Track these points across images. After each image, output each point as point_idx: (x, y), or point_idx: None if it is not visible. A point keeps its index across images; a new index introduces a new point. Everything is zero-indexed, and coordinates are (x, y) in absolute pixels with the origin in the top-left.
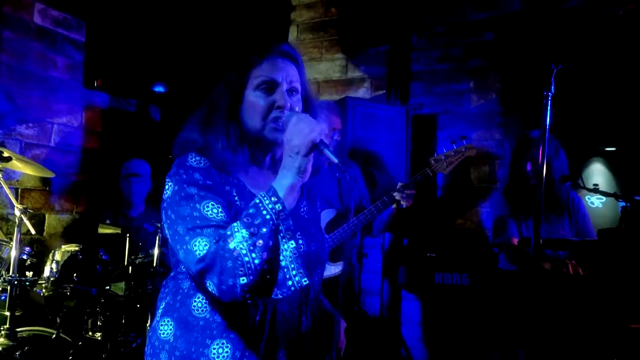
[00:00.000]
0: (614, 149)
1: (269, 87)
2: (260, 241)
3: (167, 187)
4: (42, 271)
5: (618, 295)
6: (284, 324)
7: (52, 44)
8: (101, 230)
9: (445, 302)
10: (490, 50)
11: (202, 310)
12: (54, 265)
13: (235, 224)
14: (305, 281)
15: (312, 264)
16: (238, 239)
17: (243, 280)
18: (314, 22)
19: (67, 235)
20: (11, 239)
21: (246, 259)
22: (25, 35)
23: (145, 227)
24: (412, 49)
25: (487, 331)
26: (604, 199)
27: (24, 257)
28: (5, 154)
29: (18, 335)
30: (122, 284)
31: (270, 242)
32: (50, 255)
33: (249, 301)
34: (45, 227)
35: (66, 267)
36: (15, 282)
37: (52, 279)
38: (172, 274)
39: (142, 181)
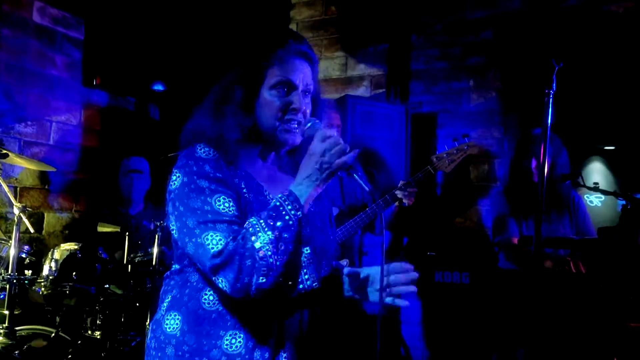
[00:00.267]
0: (613, 147)
1: (286, 87)
2: (282, 245)
3: (174, 178)
4: (41, 270)
5: (618, 293)
6: (292, 318)
7: (51, 42)
8: (100, 229)
9: (445, 300)
10: (490, 48)
11: (215, 303)
12: (53, 264)
13: (256, 224)
14: (315, 285)
15: (318, 257)
16: (264, 239)
17: (262, 279)
18: (313, 20)
19: (66, 234)
20: (10, 238)
21: (270, 260)
22: (24, 33)
23: (145, 224)
24: (411, 47)
25: (487, 330)
26: (603, 197)
27: (23, 255)
28: (3, 151)
29: (17, 334)
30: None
31: (291, 247)
32: (49, 253)
33: (260, 300)
34: (44, 226)
35: (65, 265)
36: (14, 281)
37: (51, 277)
38: (177, 267)
39: (143, 178)
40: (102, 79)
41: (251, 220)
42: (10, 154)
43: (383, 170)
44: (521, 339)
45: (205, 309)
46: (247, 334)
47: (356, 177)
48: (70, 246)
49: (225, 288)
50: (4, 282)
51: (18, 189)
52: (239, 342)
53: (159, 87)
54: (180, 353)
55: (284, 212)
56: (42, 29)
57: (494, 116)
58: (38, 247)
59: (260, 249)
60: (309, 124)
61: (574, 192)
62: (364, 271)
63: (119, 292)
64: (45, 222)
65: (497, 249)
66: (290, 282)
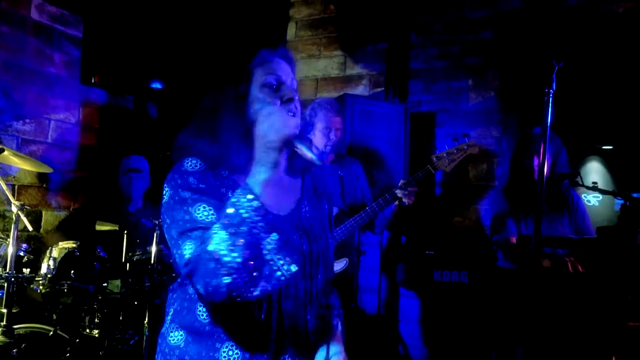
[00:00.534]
0: (611, 147)
1: (275, 84)
2: (241, 240)
3: (164, 192)
4: (39, 268)
5: (616, 293)
6: (290, 323)
7: (49, 40)
8: (99, 227)
9: (444, 299)
10: (489, 48)
11: (207, 316)
12: (51, 262)
13: (215, 225)
14: (294, 267)
15: (315, 263)
16: (216, 240)
17: (227, 279)
18: (312, 19)
19: (65, 232)
20: (8, 236)
21: (227, 259)
22: (22, 31)
23: (143, 222)
24: (410, 46)
25: (486, 329)
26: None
27: (21, 253)
28: None
29: (15, 333)
30: (118, 281)
31: (251, 239)
32: (48, 252)
33: (239, 299)
34: (42, 224)
35: (63, 264)
36: (12, 279)
37: (49, 275)
38: (179, 280)
39: (142, 177)
40: (101, 77)
41: (215, 224)
42: (7, 150)
43: (382, 169)
44: (520, 337)
45: (200, 321)
46: (242, 346)
47: (301, 146)
48: (69, 244)
49: (203, 294)
50: (2, 281)
51: (16, 187)
52: (237, 353)
53: (157, 86)
54: None
55: (239, 207)
56: (41, 27)
57: (492, 115)
58: (36, 245)
59: (214, 250)
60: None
61: (573, 192)
62: None
63: (117, 290)
64: (43, 220)
65: (496, 248)
66: (259, 274)
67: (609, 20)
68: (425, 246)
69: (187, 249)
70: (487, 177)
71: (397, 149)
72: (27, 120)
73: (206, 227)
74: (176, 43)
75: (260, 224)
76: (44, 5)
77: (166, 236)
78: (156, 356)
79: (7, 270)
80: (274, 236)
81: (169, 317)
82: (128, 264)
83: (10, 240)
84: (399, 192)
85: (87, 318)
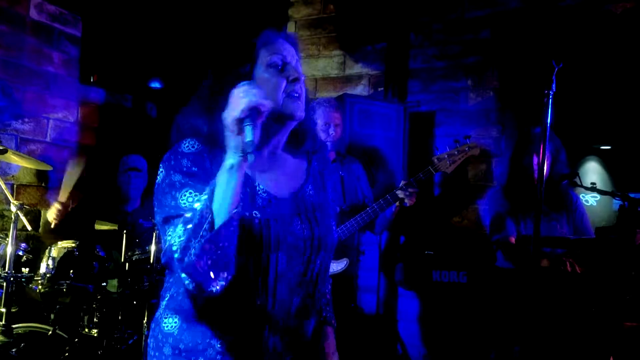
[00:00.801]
0: (609, 147)
1: (280, 64)
2: (190, 225)
3: (158, 173)
4: (38, 267)
5: (614, 293)
6: (282, 307)
7: (48, 39)
8: (98, 227)
9: (443, 299)
10: (488, 47)
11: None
12: (50, 262)
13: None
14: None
15: (316, 248)
16: (179, 229)
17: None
18: (311, 18)
19: (63, 232)
20: (7, 235)
21: (190, 246)
22: (21, 30)
23: (141, 222)
24: (410, 46)
25: (484, 328)
26: (599, 197)
27: (20, 253)
28: (0, 147)
29: (14, 332)
30: (115, 281)
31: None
32: (47, 251)
33: (223, 285)
34: (41, 223)
35: (62, 263)
36: (11, 279)
37: (48, 275)
38: None
39: (141, 176)
40: (100, 76)
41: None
42: (7, 150)
43: (381, 169)
44: (518, 337)
45: (198, 305)
46: (237, 332)
47: (246, 128)
48: (68, 244)
49: (185, 281)
50: (1, 280)
51: (15, 186)
52: (230, 340)
53: (156, 85)
54: (177, 352)
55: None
56: (40, 26)
57: (491, 115)
58: (35, 245)
59: (180, 236)
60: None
61: (572, 192)
62: None
63: (115, 290)
64: (42, 219)
65: (495, 248)
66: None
67: (607, 21)
68: (424, 246)
69: (169, 237)
70: (486, 177)
71: (396, 148)
72: (26, 120)
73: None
74: (175, 42)
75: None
76: (43, 4)
77: (155, 218)
78: (148, 340)
79: (6, 269)
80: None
81: (163, 303)
82: (127, 264)
83: (9, 239)
84: (400, 193)
85: (86, 317)
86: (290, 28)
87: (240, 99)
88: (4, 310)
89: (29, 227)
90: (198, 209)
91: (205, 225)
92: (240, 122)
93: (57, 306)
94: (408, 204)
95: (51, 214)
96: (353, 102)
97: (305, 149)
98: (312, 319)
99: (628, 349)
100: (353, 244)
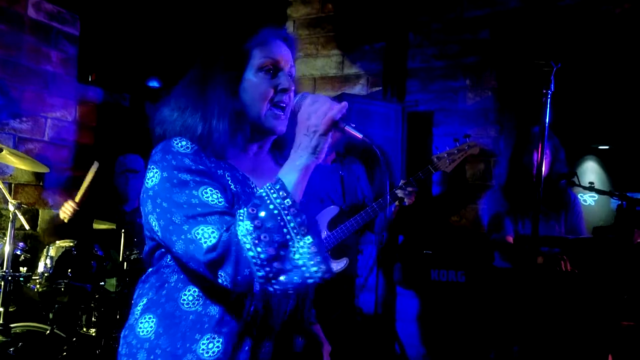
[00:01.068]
0: (607, 147)
1: (273, 69)
2: (266, 236)
3: (151, 174)
4: (36, 267)
5: (612, 292)
6: (274, 313)
7: (46, 38)
8: (96, 226)
9: (441, 298)
10: (487, 47)
11: (194, 304)
12: (48, 261)
13: (241, 212)
14: (327, 276)
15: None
16: (242, 230)
17: (260, 272)
18: (310, 18)
19: (61, 231)
20: (5, 234)
21: (250, 253)
22: (19, 29)
23: (139, 222)
24: (408, 45)
25: (483, 328)
26: (597, 197)
27: (18, 252)
28: None
29: (12, 331)
30: (114, 280)
31: (276, 237)
32: (45, 250)
33: (257, 291)
34: (39, 223)
35: (60, 262)
36: (9, 278)
37: (46, 274)
38: (152, 269)
39: (139, 177)
40: (98, 75)
41: (240, 210)
42: (4, 149)
43: (380, 169)
44: (517, 336)
45: (183, 310)
46: (226, 337)
47: (349, 128)
48: (66, 243)
49: (226, 283)
50: None
51: (13, 185)
52: (217, 346)
53: (154, 84)
54: (152, 357)
55: (268, 201)
56: (38, 25)
57: (490, 115)
58: (33, 244)
59: (240, 240)
60: (298, 97)
61: (570, 192)
62: None
63: (114, 289)
64: (40, 218)
65: (493, 247)
66: (283, 276)
67: (606, 21)
68: (422, 245)
69: (206, 234)
70: (484, 177)
71: (395, 148)
72: (24, 119)
73: (222, 212)
74: (173, 41)
75: (291, 224)
76: (41, 3)
77: (158, 222)
78: (120, 349)
79: (4, 268)
80: (308, 239)
81: (139, 308)
82: (125, 263)
83: (7, 238)
84: (399, 192)
85: (84, 317)
86: (289, 27)
87: (333, 102)
88: (1, 309)
89: (27, 227)
90: (271, 216)
91: (296, 221)
92: (334, 123)
93: (55, 305)
94: (407, 203)
95: (64, 212)
96: (351, 101)
97: (288, 153)
98: (302, 327)
99: (625, 348)
100: (352, 244)
